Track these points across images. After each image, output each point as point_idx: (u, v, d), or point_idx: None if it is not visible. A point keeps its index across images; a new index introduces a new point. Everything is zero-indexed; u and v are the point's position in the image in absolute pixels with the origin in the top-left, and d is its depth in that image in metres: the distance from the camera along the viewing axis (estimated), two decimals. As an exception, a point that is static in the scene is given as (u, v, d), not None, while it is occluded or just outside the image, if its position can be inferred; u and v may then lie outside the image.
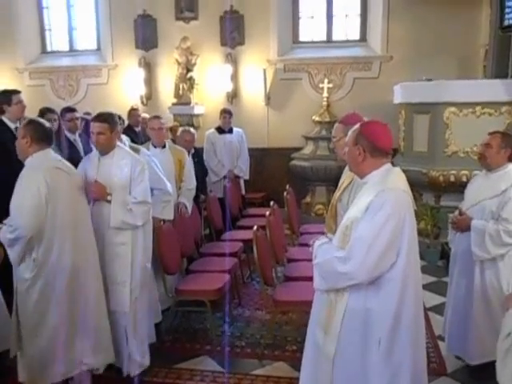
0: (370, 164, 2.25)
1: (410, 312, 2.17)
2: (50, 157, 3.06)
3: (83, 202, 3.17)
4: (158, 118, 4.69)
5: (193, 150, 5.37)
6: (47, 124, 3.16)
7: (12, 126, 4.16)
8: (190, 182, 4.72)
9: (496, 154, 3.19)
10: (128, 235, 3.26)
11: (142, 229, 3.34)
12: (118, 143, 3.42)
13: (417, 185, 6.03)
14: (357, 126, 2.30)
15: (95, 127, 3.26)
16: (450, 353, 3.51)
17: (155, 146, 4.55)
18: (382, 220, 2.10)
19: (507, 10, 5.41)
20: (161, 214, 3.96)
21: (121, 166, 3.28)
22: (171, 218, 4.13)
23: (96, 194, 3.22)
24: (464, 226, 3.26)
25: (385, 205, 2.11)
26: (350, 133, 2.32)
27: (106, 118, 3.28)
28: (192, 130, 5.46)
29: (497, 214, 3.12)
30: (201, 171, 5.57)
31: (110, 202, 3.21)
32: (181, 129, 5.62)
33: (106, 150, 3.30)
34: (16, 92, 4.24)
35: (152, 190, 3.71)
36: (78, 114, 5.08)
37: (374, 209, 2.12)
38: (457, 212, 3.41)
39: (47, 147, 3.07)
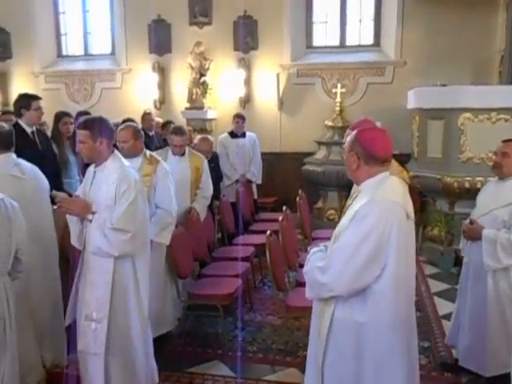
0: (364, 172, 2.17)
1: (404, 324, 2.12)
2: (7, 162, 3.02)
3: (39, 207, 3.13)
4: (181, 133, 4.46)
5: (209, 156, 5.30)
6: (6, 127, 3.10)
7: (28, 130, 4.20)
8: (207, 189, 4.64)
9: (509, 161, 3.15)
10: (110, 263, 2.78)
11: (131, 260, 2.85)
12: (116, 153, 2.94)
13: (431, 191, 6.01)
14: (354, 132, 2.24)
15: (77, 134, 2.90)
16: (466, 367, 3.42)
17: (174, 154, 4.49)
18: (364, 232, 2.03)
19: (524, 16, 5.36)
20: (156, 236, 3.55)
21: (109, 182, 2.79)
22: (167, 242, 3.74)
23: (73, 212, 2.83)
24: (475, 235, 3.21)
25: (369, 216, 2.03)
26: (348, 139, 2.26)
27: (88, 125, 2.81)
28: (210, 137, 5.36)
29: (509, 223, 3.07)
30: (216, 177, 5.49)
31: (91, 221, 2.79)
32: (198, 136, 5.52)
33: (91, 160, 2.88)
34: (36, 98, 4.25)
35: (157, 207, 3.65)
36: (92, 119, 5.13)
37: (358, 219, 2.06)
38: (468, 221, 3.36)
39: (6, 152, 3.04)
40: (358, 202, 2.13)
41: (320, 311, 2.23)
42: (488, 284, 3.17)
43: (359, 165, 2.16)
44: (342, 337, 2.13)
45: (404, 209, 2.12)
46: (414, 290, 2.24)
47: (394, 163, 3.11)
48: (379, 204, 2.06)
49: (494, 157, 3.34)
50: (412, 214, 2.18)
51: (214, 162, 5.60)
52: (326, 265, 2.11)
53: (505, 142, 3.24)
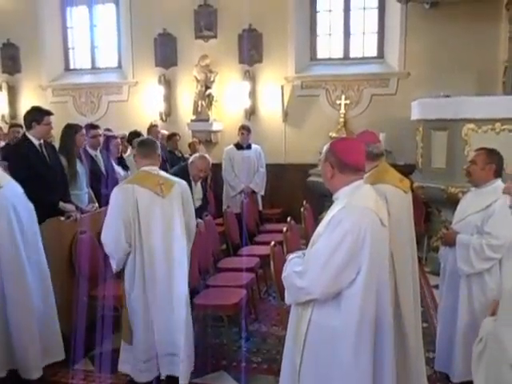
0: (339, 180, 2.24)
1: (370, 331, 2.13)
2: None
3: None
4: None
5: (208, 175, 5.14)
6: None
7: (36, 142, 4.26)
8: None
9: (480, 171, 3.24)
10: None
11: None
12: None
13: (435, 201, 6.01)
14: (328, 143, 2.33)
15: None
16: (437, 370, 3.49)
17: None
18: (339, 236, 2.09)
19: (526, 27, 5.39)
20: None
21: None
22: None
23: None
24: (451, 241, 3.28)
25: (343, 221, 2.09)
26: (323, 149, 2.33)
27: None
28: (207, 156, 4.90)
29: (481, 228, 3.14)
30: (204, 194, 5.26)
31: None
32: (196, 154, 5.05)
33: None
34: (49, 113, 4.29)
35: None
36: (101, 131, 5.19)
37: (333, 224, 2.12)
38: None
39: None
40: (334, 208, 2.21)
41: (298, 316, 2.27)
42: (461, 289, 3.22)
43: (334, 174, 2.24)
44: (318, 341, 2.18)
45: (378, 215, 2.17)
46: (387, 296, 2.23)
47: (392, 172, 3.13)
48: (354, 210, 2.13)
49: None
50: (386, 221, 2.23)
51: (204, 179, 5.22)
52: (303, 269, 2.18)
53: (476, 150, 3.34)
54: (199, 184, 4.96)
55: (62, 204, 4.28)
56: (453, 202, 5.65)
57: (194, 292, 3.98)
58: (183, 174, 4.48)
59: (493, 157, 3.22)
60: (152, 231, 3.32)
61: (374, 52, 7.97)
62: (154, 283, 3.33)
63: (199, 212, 4.50)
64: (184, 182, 3.67)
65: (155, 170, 3.48)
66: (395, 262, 2.92)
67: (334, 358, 2.14)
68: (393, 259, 2.92)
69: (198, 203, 4.87)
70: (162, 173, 3.56)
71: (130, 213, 3.27)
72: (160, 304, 3.34)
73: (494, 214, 3.09)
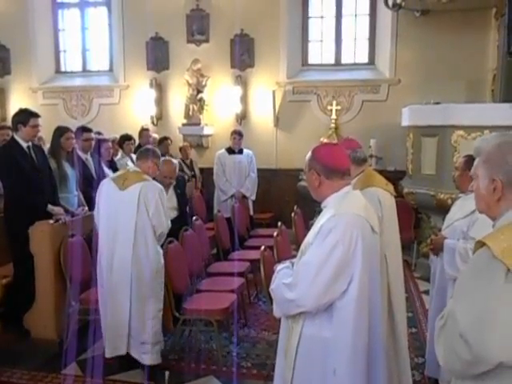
0: (327, 187, 2.19)
1: (364, 342, 2.09)
2: None
3: None
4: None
5: (174, 182, 4.56)
6: None
7: (24, 144, 4.23)
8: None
9: (460, 177, 3.32)
10: None
11: None
12: None
13: (425, 207, 6.05)
14: (309, 152, 2.27)
15: None
16: (427, 375, 3.51)
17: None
18: (330, 246, 2.02)
19: (514, 36, 5.46)
20: None
21: None
22: None
23: None
24: (439, 246, 3.30)
25: (334, 230, 2.03)
26: (305, 159, 2.28)
27: None
28: (174, 160, 4.62)
29: (467, 233, 3.16)
30: (183, 203, 4.93)
31: None
32: (162, 159, 4.50)
33: None
34: (35, 115, 4.27)
35: None
36: (93, 135, 5.15)
37: (323, 234, 2.06)
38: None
39: None
40: (323, 216, 2.14)
41: (288, 328, 2.19)
42: (449, 293, 3.23)
43: (321, 181, 2.19)
44: (310, 353, 2.10)
45: (369, 222, 2.14)
46: (379, 303, 2.20)
47: (379, 176, 3.20)
48: (344, 217, 2.07)
49: None
50: (376, 228, 2.19)
51: (179, 187, 4.80)
52: (293, 281, 2.09)
53: (463, 157, 3.40)
54: (171, 191, 4.54)
55: (50, 207, 4.25)
56: (442, 208, 5.71)
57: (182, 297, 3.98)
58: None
59: (472, 163, 3.25)
60: (102, 220, 3.68)
61: (365, 58, 8.02)
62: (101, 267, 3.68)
63: (174, 224, 4.04)
64: (155, 185, 3.71)
65: (135, 168, 3.79)
66: (388, 265, 2.95)
67: (327, 370, 2.08)
68: (386, 262, 2.95)
69: (173, 213, 4.50)
70: (140, 173, 3.70)
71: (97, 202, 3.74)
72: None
73: (478, 219, 3.12)
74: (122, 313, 3.60)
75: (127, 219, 3.57)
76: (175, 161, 4.67)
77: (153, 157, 3.77)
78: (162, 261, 3.73)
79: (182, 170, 7.31)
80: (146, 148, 3.98)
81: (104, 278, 3.64)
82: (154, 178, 3.82)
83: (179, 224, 4.41)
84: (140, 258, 3.59)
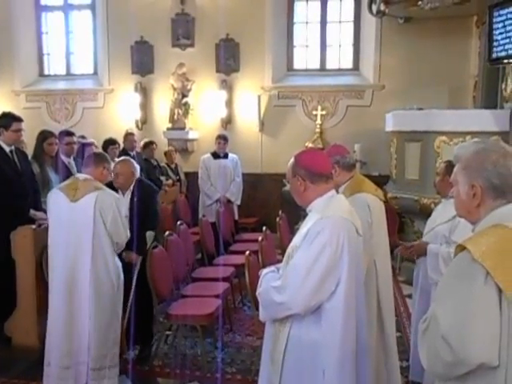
0: (313, 191, 2.21)
1: (353, 342, 2.11)
2: None
3: None
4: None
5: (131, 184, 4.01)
6: None
7: (7, 148, 4.18)
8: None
9: (440, 182, 3.38)
10: None
11: None
12: None
13: (409, 212, 6.10)
14: (292, 158, 2.29)
15: None
16: (411, 379, 3.53)
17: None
18: (317, 248, 2.05)
19: (495, 44, 5.55)
20: None
21: None
22: None
23: None
24: (421, 251, 3.32)
25: (321, 233, 2.06)
26: (288, 165, 2.30)
27: None
28: (132, 160, 4.16)
29: (449, 238, 3.19)
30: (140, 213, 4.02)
31: None
32: (116, 159, 4.51)
33: None
34: (18, 120, 4.21)
35: None
36: (75, 139, 5.11)
37: (310, 237, 2.08)
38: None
39: None
40: (309, 220, 2.17)
41: (274, 333, 2.19)
42: (432, 297, 3.26)
43: (306, 186, 2.21)
44: (298, 356, 2.11)
45: (354, 224, 2.18)
46: (363, 305, 2.24)
47: (368, 181, 3.23)
48: (331, 220, 2.10)
49: None
50: (361, 231, 2.24)
51: (142, 194, 4.02)
52: (282, 284, 2.11)
53: (444, 162, 3.49)
54: (127, 196, 3.98)
55: (32, 212, 4.20)
56: (425, 213, 5.76)
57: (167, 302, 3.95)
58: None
59: (451, 168, 3.30)
60: (54, 234, 3.40)
61: (349, 64, 8.09)
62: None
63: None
64: (111, 194, 3.44)
65: (85, 176, 3.43)
66: (378, 270, 2.98)
67: (316, 372, 2.09)
68: (376, 267, 2.98)
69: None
70: (92, 181, 3.39)
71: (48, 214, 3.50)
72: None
73: (460, 223, 3.16)
74: (81, 338, 3.27)
75: (82, 233, 3.28)
76: (133, 161, 4.17)
77: (104, 162, 3.52)
78: (122, 276, 3.47)
79: (166, 174, 7.31)
80: (95, 153, 3.78)
81: (56, 303, 3.30)
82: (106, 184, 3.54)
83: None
84: (99, 275, 3.31)
